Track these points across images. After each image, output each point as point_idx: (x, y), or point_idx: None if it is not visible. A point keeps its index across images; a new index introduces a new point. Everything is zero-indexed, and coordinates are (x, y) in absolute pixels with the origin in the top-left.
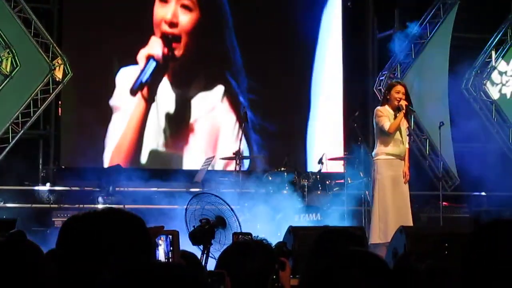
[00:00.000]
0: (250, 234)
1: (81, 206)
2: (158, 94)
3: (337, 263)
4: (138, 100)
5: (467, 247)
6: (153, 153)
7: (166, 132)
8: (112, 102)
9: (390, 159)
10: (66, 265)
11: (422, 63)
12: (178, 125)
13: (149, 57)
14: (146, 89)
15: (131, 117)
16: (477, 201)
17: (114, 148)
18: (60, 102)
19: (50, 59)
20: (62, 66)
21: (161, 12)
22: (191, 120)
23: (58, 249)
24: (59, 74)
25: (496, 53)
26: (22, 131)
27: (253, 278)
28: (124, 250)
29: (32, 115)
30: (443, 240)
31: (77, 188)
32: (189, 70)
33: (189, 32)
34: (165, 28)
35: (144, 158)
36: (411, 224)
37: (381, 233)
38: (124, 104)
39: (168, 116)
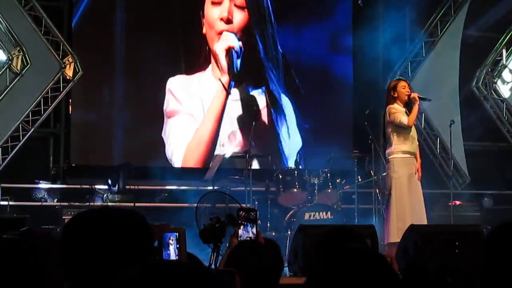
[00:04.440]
0: (255, 210)
1: (91, 204)
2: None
3: (340, 262)
4: (220, 90)
5: (489, 243)
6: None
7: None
8: (169, 107)
9: (405, 157)
10: (71, 265)
11: (432, 61)
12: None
13: (229, 48)
14: (228, 79)
15: (211, 109)
16: (487, 200)
17: (186, 148)
18: (70, 100)
19: (60, 57)
20: (72, 64)
21: (215, 12)
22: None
23: (62, 251)
24: (69, 72)
25: (507, 52)
26: (32, 129)
27: (261, 277)
28: (126, 246)
29: (42, 113)
30: (454, 238)
31: (87, 186)
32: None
33: (242, 30)
34: (222, 26)
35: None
36: (425, 222)
37: (399, 231)
38: (185, 108)
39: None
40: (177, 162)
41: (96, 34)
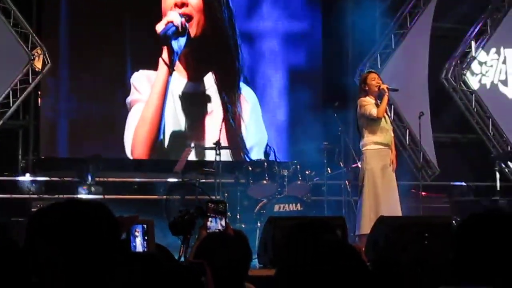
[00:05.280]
0: (224, 202)
1: (60, 196)
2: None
3: (312, 254)
4: (161, 67)
5: (458, 236)
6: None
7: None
8: (130, 99)
9: (378, 148)
10: (37, 262)
11: (402, 53)
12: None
13: (168, 23)
14: (167, 54)
15: (154, 87)
16: (456, 191)
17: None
18: (39, 92)
19: (29, 49)
20: (41, 56)
21: (171, 1)
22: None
23: (27, 247)
24: (38, 64)
25: (476, 44)
26: (1, 121)
27: (229, 268)
28: (91, 239)
29: (11, 105)
30: (423, 230)
31: (56, 179)
32: (203, 51)
33: (200, 11)
34: (177, 10)
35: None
36: (399, 213)
37: (372, 223)
38: (145, 98)
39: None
40: (127, 145)
41: (63, 26)
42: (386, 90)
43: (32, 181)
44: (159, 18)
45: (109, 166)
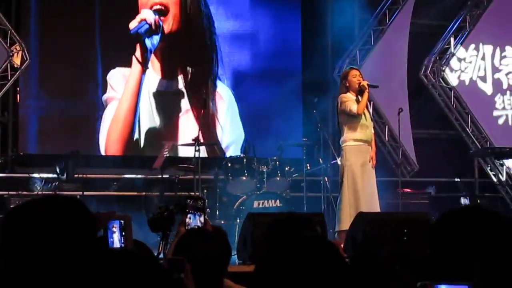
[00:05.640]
0: (203, 198)
1: (39, 193)
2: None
3: (290, 250)
4: (134, 65)
5: (435, 232)
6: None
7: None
8: (106, 96)
9: (358, 145)
10: (11, 255)
11: (381, 49)
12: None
13: (141, 21)
14: (140, 52)
15: (127, 86)
16: (435, 187)
17: (109, 129)
18: (18, 89)
19: (8, 45)
20: (20, 53)
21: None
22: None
23: (2, 245)
24: (17, 60)
25: (455, 40)
26: None
27: (209, 264)
28: (66, 235)
29: None
30: (402, 226)
31: (35, 175)
32: (178, 47)
33: (176, 3)
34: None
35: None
36: (378, 209)
37: (352, 219)
38: (120, 96)
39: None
40: (102, 144)
41: (34, 22)
42: (367, 87)
43: (11, 178)
44: (135, 14)
45: (89, 163)
